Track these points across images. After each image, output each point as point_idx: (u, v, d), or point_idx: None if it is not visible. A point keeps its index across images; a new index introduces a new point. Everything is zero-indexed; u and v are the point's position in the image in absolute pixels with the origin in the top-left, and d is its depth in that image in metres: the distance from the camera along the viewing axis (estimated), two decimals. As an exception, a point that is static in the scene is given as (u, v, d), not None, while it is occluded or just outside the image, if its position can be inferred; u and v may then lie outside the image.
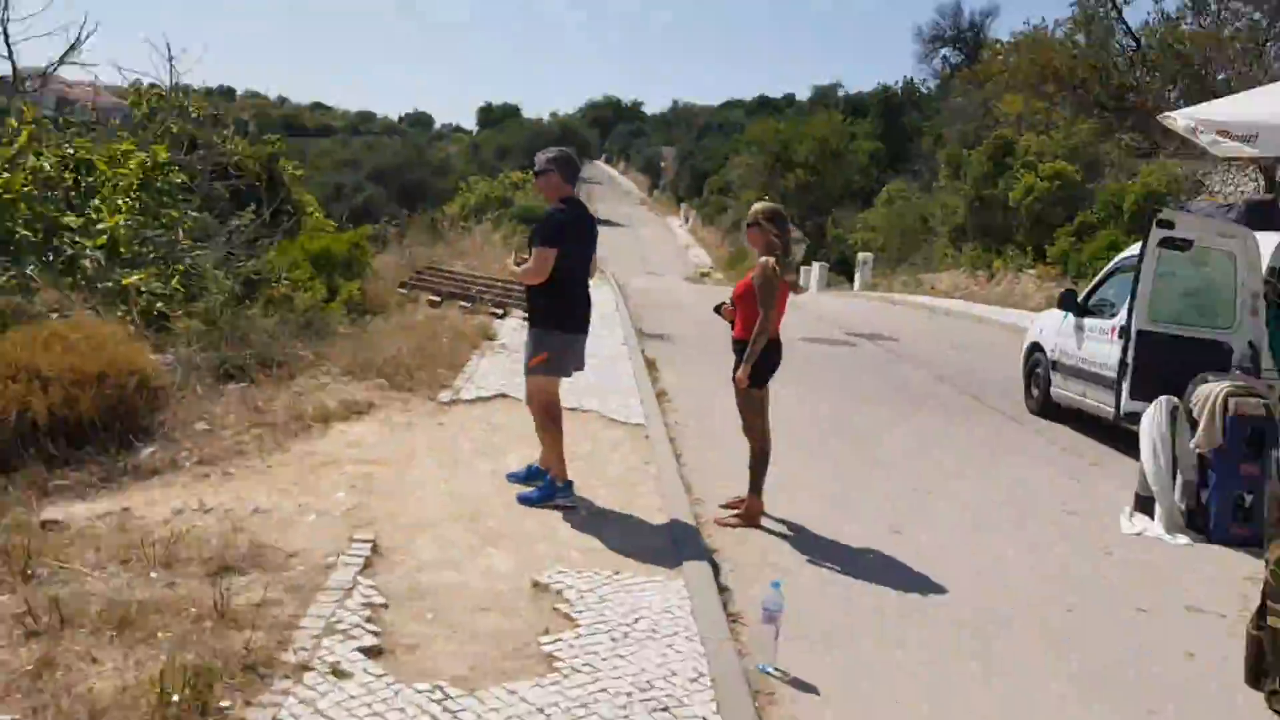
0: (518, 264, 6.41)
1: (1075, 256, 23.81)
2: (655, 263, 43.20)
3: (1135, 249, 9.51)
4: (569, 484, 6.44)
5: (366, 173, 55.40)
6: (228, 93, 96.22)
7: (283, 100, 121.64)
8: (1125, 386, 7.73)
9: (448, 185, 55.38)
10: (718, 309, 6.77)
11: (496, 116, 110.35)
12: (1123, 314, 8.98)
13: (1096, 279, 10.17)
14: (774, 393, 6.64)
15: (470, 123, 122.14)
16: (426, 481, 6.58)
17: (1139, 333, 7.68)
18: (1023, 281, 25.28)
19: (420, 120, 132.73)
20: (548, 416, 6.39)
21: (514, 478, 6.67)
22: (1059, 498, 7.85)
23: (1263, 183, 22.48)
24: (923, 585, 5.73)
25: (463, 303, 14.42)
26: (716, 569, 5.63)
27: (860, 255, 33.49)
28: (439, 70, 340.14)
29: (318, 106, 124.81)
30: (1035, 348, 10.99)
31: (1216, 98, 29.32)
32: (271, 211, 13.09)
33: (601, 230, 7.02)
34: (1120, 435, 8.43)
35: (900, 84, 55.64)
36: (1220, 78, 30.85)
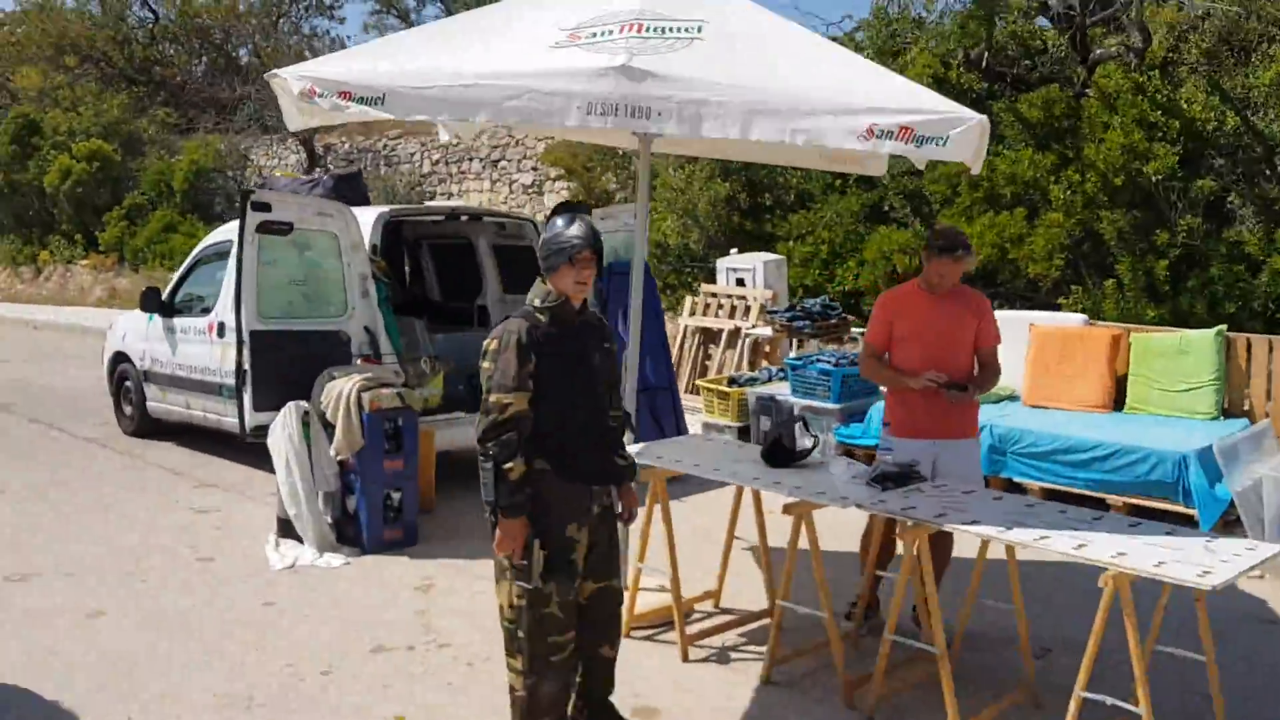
0: None
1: (131, 243, 22.11)
2: None
3: (220, 235, 8.43)
4: None
5: None
6: None
7: None
8: (247, 398, 6.61)
9: None
10: None
11: None
12: (219, 309, 7.85)
13: (181, 271, 8.82)
14: None
15: None
16: None
17: (252, 334, 6.59)
18: (77, 274, 22.78)
19: None
20: None
21: None
22: (189, 543, 6.49)
23: (305, 155, 23.02)
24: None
25: None
26: None
27: None
28: None
29: None
30: (120, 357, 9.30)
31: (241, 71, 29.82)
32: None
33: None
34: (249, 449, 7.36)
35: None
36: (243, 51, 31.21)
